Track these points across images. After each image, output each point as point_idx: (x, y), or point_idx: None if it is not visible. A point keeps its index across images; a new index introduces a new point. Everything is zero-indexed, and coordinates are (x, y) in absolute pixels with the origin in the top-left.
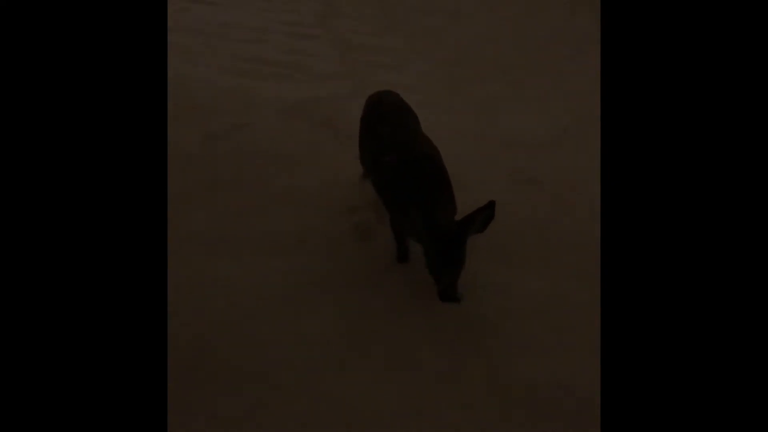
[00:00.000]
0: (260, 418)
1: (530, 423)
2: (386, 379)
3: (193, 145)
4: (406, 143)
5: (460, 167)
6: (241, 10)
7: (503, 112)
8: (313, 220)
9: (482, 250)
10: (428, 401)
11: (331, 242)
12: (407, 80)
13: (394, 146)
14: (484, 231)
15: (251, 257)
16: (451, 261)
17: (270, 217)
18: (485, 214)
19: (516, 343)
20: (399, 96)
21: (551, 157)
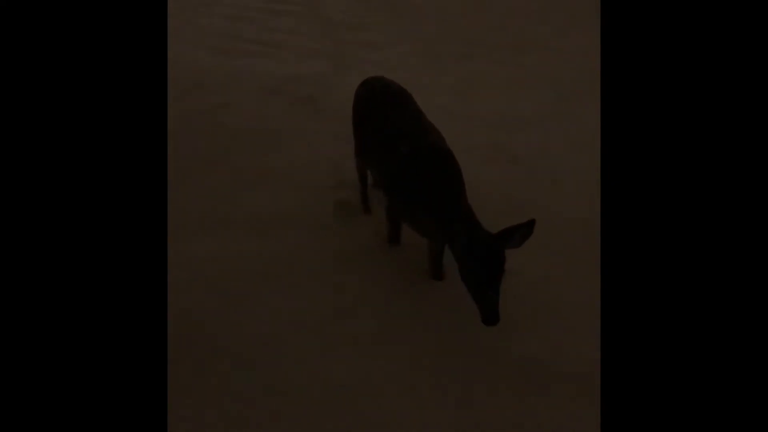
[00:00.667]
0: (242, 396)
1: (522, 396)
2: (373, 355)
3: (174, 123)
4: (420, 133)
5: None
6: None
7: (485, 90)
8: (296, 199)
9: None
10: (417, 376)
11: (315, 220)
12: (390, 57)
13: (406, 135)
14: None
15: (233, 236)
16: (495, 281)
17: (253, 196)
18: (524, 230)
19: (504, 319)
20: (393, 81)
21: (532, 135)
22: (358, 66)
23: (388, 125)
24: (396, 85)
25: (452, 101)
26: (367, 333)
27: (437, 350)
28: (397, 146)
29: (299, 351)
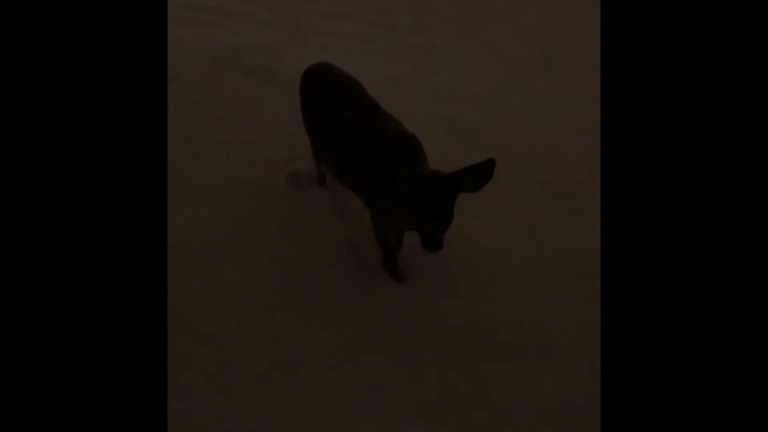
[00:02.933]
0: (202, 370)
1: (476, 363)
2: (325, 326)
3: None
4: (380, 125)
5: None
6: None
7: (441, 63)
8: (247, 172)
9: None
10: (367, 344)
11: (266, 193)
12: (345, 28)
13: (367, 131)
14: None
15: (183, 208)
16: (438, 210)
17: (205, 168)
18: (480, 170)
19: (455, 286)
20: (338, 68)
21: (488, 107)
22: (311, 37)
23: (344, 122)
24: (343, 75)
25: (405, 73)
26: (320, 304)
27: (387, 319)
28: (356, 146)
29: (251, 323)
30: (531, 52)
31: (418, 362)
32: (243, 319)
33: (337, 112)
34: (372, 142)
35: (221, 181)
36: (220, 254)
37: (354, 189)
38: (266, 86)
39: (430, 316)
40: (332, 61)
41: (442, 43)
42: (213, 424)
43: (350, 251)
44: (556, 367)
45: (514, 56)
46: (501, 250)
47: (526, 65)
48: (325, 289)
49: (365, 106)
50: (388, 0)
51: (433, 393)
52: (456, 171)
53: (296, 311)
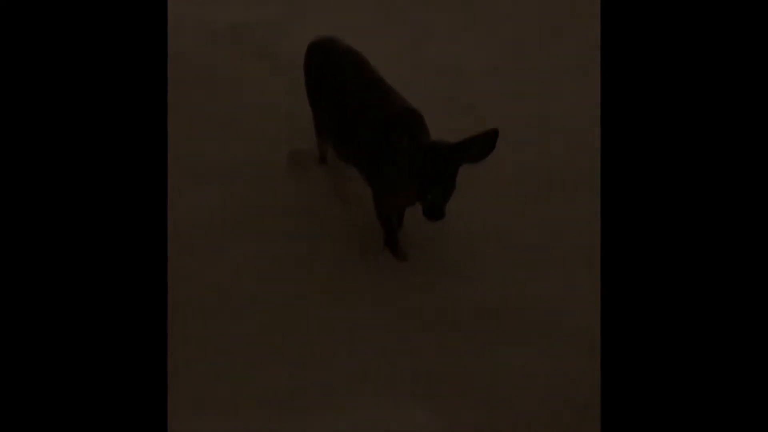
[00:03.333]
0: (190, 345)
1: (483, 343)
2: (328, 304)
3: None
4: (384, 100)
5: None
6: None
7: (442, 39)
8: (247, 150)
9: None
10: (373, 323)
11: (265, 172)
12: (345, 4)
13: (371, 106)
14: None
15: (183, 187)
16: (440, 179)
17: (203, 147)
18: (484, 140)
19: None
20: (341, 42)
21: (488, 84)
22: (311, 13)
23: (348, 96)
24: (348, 49)
25: (405, 49)
26: (322, 283)
27: (388, 296)
28: (359, 121)
29: (253, 301)
30: (532, 28)
31: (418, 339)
32: (243, 297)
33: (341, 87)
34: (376, 116)
35: (221, 159)
36: (220, 233)
37: (356, 165)
38: (267, 63)
39: (431, 294)
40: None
41: (443, 18)
42: (214, 401)
43: (351, 229)
44: (556, 344)
45: (515, 32)
46: (501, 226)
47: (527, 41)
48: (326, 267)
49: (370, 81)
50: None
51: (433, 370)
52: (460, 141)
53: (297, 289)
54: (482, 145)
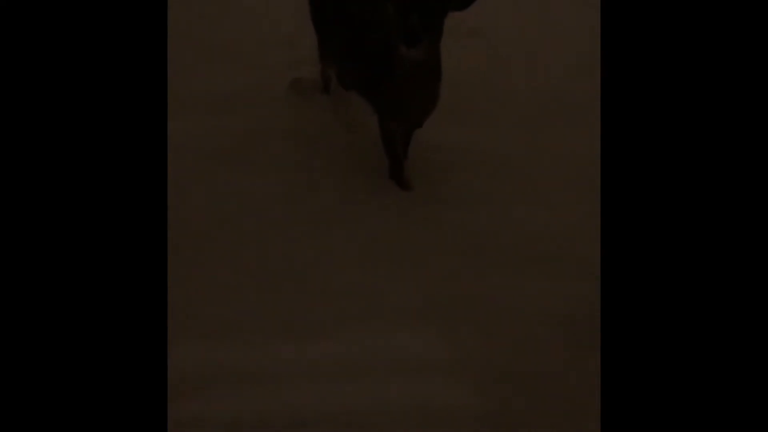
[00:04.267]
0: (190, 276)
1: (482, 268)
2: (333, 233)
3: None
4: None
5: None
6: None
7: None
8: (251, 77)
9: None
10: (378, 249)
11: (271, 99)
12: None
13: (375, 24)
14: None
15: (183, 116)
16: (418, 6)
17: (206, 75)
18: None
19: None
20: None
21: (493, 8)
22: None
23: (353, 16)
24: None
25: None
26: (327, 213)
27: (392, 226)
28: (366, 37)
29: (257, 230)
30: None
31: (422, 267)
32: (245, 227)
33: (345, 6)
34: (379, 35)
35: (221, 87)
36: (220, 162)
37: (360, 88)
38: None
39: (434, 223)
40: None
41: None
42: (216, 328)
43: (355, 159)
44: (556, 270)
45: None
46: (503, 155)
47: None
48: (329, 198)
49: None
50: None
51: (436, 295)
52: None
53: (300, 219)
54: None
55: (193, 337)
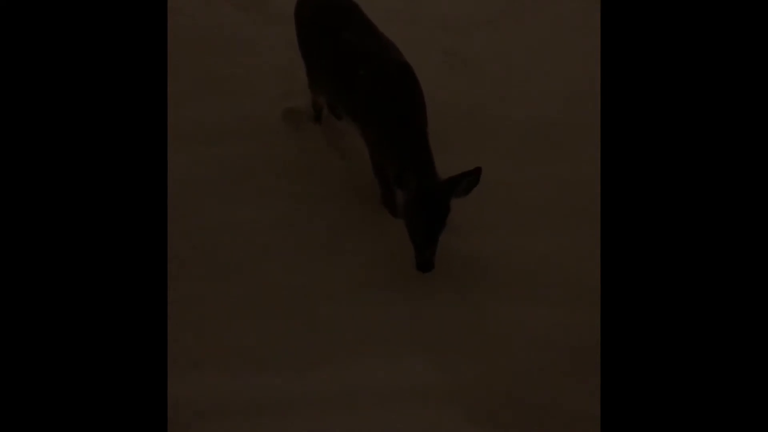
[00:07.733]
0: (190, 304)
1: (475, 293)
2: (327, 262)
3: None
4: (379, 51)
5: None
6: None
7: None
8: (245, 108)
9: None
10: (371, 276)
11: (264, 130)
12: None
13: (363, 56)
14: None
15: (179, 147)
16: (434, 238)
17: (200, 106)
18: (470, 179)
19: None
20: None
21: (488, 38)
22: None
23: (341, 45)
24: None
25: (404, 2)
26: (321, 242)
27: (388, 253)
28: (355, 70)
29: (253, 260)
30: None
31: (418, 294)
32: (243, 255)
33: (335, 35)
34: (370, 69)
35: (218, 118)
36: (218, 192)
37: (352, 116)
38: (261, 20)
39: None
40: None
41: None
42: (214, 357)
43: (349, 187)
44: (556, 298)
45: None
46: (500, 182)
47: None
48: (325, 226)
49: (363, 30)
50: None
51: (433, 323)
52: (451, 180)
53: (296, 247)
54: (470, 181)
55: (193, 365)
